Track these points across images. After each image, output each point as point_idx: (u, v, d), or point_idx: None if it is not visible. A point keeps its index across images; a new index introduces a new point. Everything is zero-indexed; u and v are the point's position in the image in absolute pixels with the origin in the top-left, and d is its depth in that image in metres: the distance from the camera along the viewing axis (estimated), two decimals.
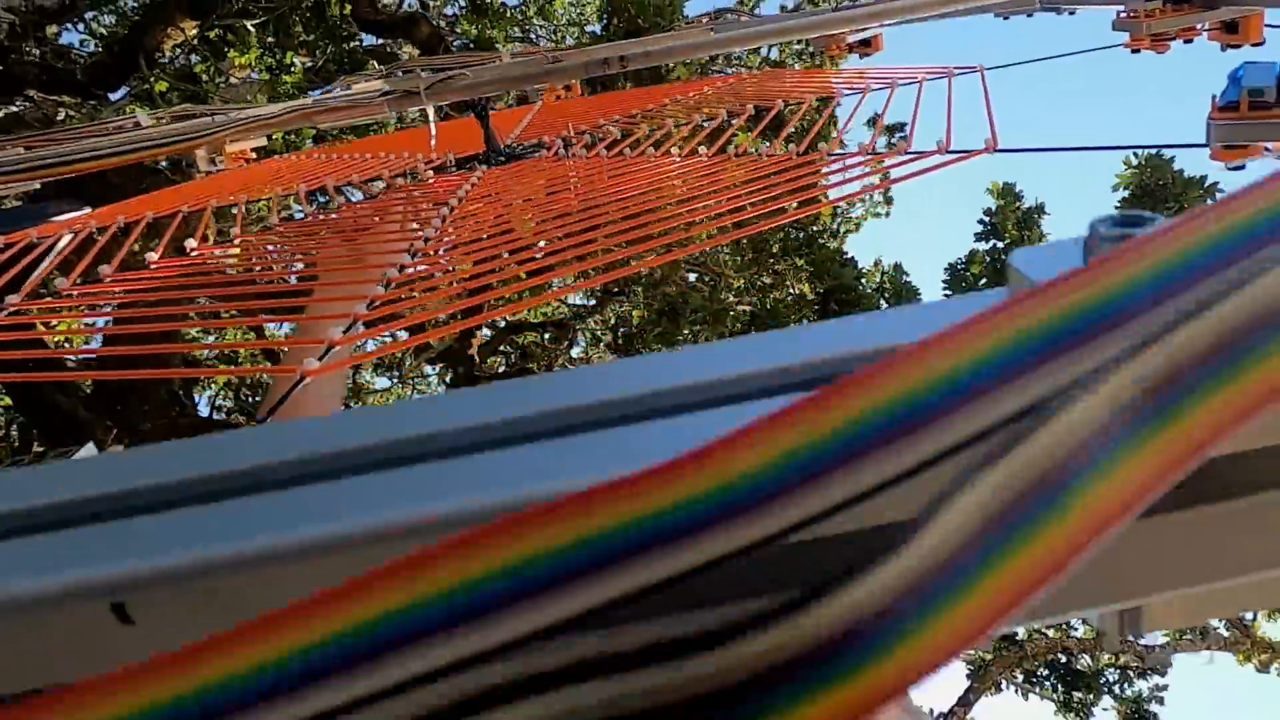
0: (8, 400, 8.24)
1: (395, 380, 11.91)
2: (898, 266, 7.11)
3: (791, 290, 7.26)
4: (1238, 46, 1.89)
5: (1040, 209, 6.51)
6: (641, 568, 0.18)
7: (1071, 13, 2.14)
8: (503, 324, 8.75)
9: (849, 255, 7.08)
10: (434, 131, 1.51)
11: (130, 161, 2.42)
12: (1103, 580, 0.30)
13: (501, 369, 8.73)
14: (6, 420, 8.83)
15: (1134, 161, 5.82)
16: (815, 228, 7.45)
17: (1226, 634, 6.80)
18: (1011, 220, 6.23)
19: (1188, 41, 1.90)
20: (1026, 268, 0.31)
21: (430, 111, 1.53)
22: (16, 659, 0.28)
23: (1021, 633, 7.07)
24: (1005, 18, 2.25)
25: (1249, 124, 1.92)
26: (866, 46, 2.48)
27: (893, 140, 10.63)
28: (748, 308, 7.01)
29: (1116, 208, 5.65)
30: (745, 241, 7.90)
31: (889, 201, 11.29)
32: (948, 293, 6.48)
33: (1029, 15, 2.25)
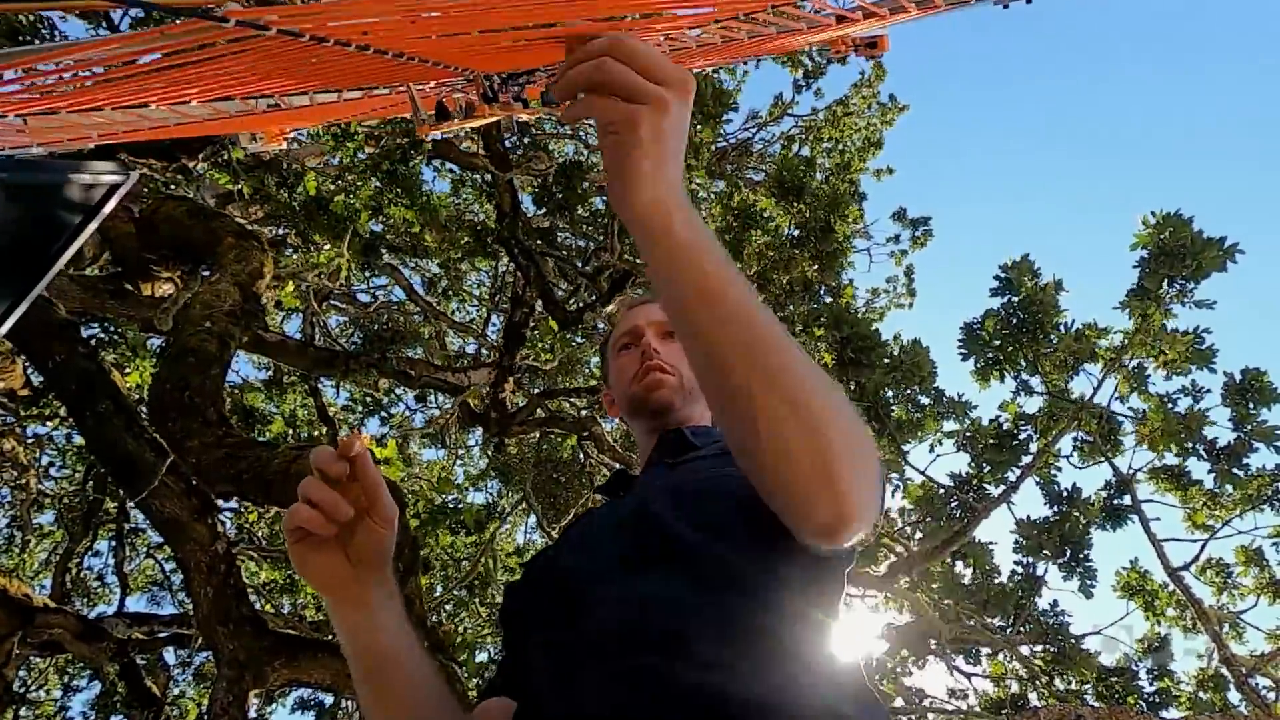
0: (80, 443, 8.32)
1: (442, 450, 11.88)
2: (916, 341, 6.94)
3: (814, 359, 7.11)
4: None
5: (1059, 284, 6.33)
6: None
7: None
8: (537, 390, 8.73)
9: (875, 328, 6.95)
10: None
11: (183, 135, 2.38)
12: None
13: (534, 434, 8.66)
14: (85, 469, 8.91)
15: (1151, 221, 5.63)
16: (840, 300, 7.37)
17: (1246, 712, 6.23)
18: (1027, 277, 6.05)
19: None
20: None
21: None
22: None
23: (1035, 699, 6.54)
24: (1005, 6, 2.17)
25: None
26: (872, 49, 2.41)
27: (917, 233, 10.65)
28: None
29: (1135, 266, 5.46)
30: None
31: (912, 294, 11.25)
32: (963, 352, 6.26)
33: (1028, 1, 2.16)
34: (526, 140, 7.49)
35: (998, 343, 6.07)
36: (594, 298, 6.84)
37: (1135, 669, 6.64)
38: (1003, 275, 6.03)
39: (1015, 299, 6.02)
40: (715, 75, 7.42)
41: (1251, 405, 6.03)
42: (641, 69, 0.74)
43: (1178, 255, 5.52)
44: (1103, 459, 6.58)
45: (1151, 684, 6.61)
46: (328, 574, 0.96)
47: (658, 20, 1.58)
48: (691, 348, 0.81)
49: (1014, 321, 6.00)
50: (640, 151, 0.75)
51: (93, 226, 2.16)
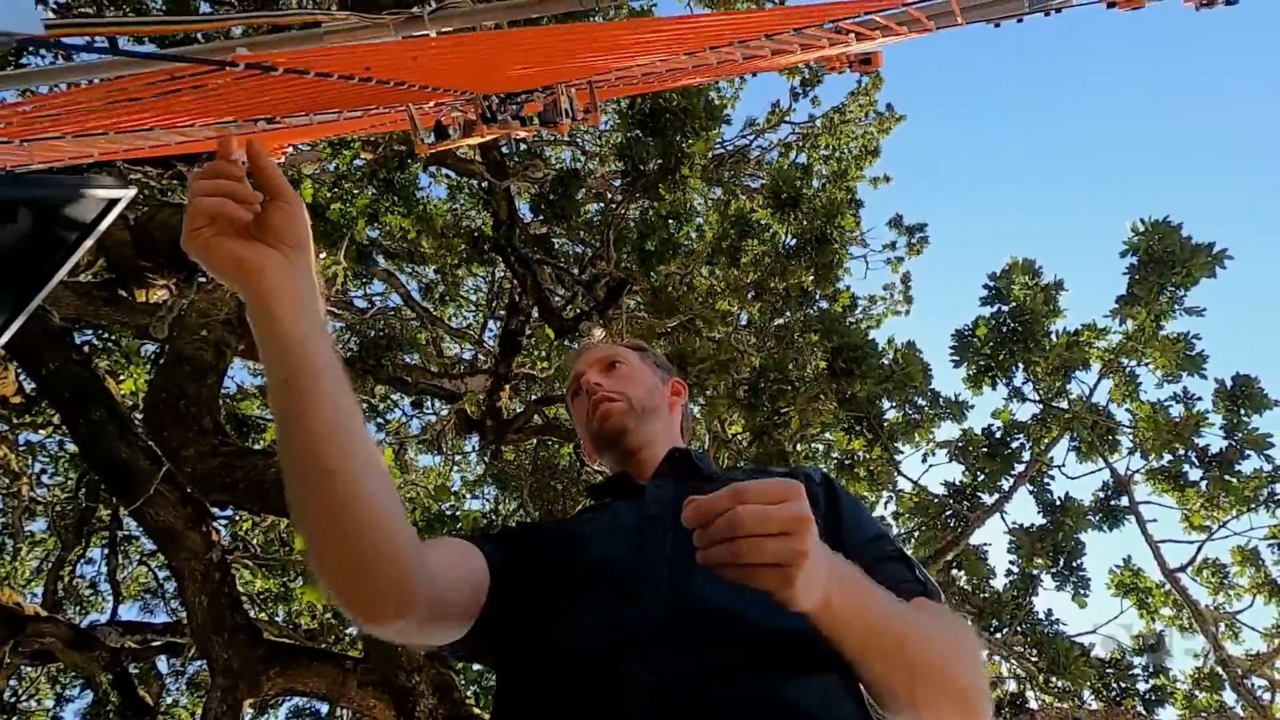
0: (73, 450, 8.31)
1: (438, 457, 11.86)
2: (910, 344, 6.95)
3: (811, 367, 7.14)
4: (1210, 4, 1.79)
5: (1060, 284, 6.37)
6: None
7: (1058, 10, 2.09)
8: (534, 397, 8.75)
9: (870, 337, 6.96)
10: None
11: (183, 152, 2.40)
12: None
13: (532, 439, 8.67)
14: (78, 476, 8.89)
15: (1141, 227, 5.66)
16: (836, 306, 7.40)
17: (1244, 714, 6.26)
18: (1022, 286, 6.08)
19: None
20: None
21: (433, 35, 1.51)
22: None
23: (1033, 702, 6.55)
24: (996, 25, 2.20)
25: None
26: (866, 65, 2.45)
27: (913, 240, 10.67)
28: (756, 360, 6.89)
29: (1124, 273, 5.47)
30: (768, 327, 7.87)
31: (909, 301, 11.27)
32: (955, 359, 6.29)
33: (1019, 20, 2.19)
34: (523, 148, 7.54)
35: (989, 350, 6.10)
36: (591, 305, 6.89)
37: (1131, 662, 6.66)
38: (992, 285, 6.07)
39: (1005, 308, 6.06)
40: (713, 83, 7.46)
41: (1242, 412, 6.06)
42: (769, 529, 0.81)
43: (1167, 262, 5.55)
44: (1100, 459, 6.60)
45: (1147, 680, 6.63)
46: (248, 258, 0.90)
47: (653, 48, 1.62)
48: (860, 670, 0.96)
49: (1005, 330, 6.03)
50: (796, 592, 0.83)
51: (90, 241, 2.18)
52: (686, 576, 1.02)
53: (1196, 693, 6.62)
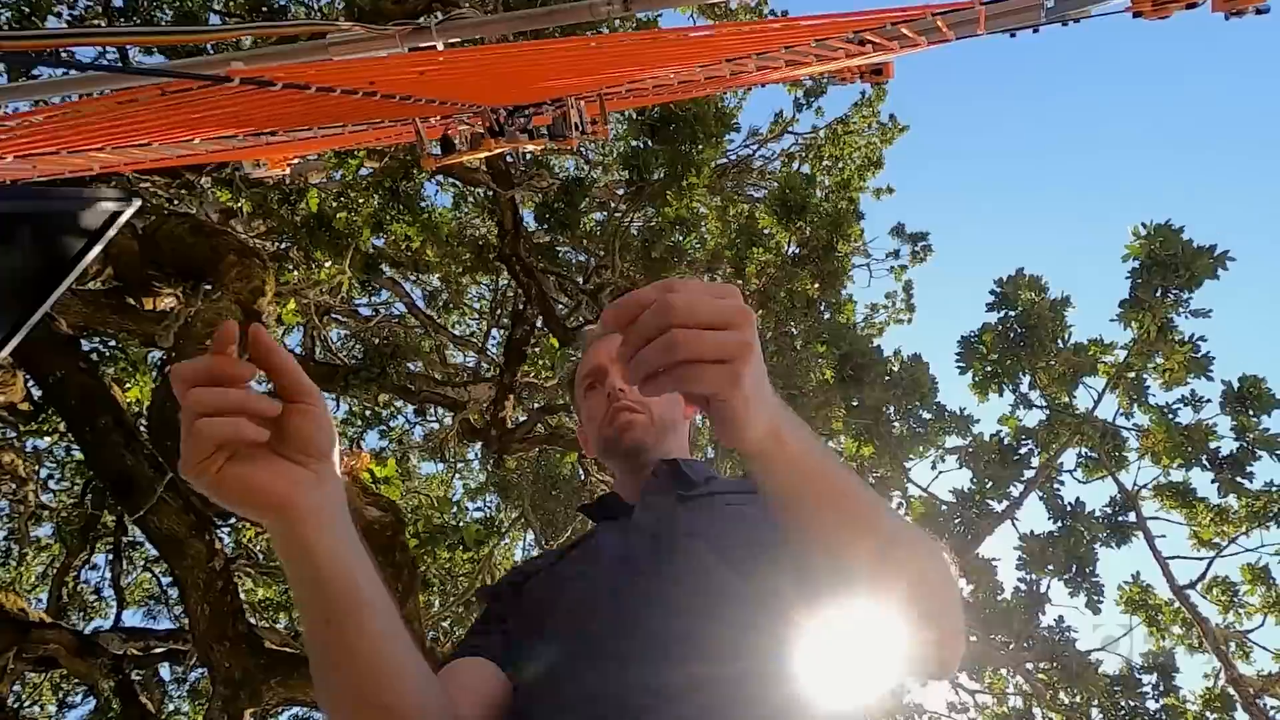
0: (80, 456, 8.30)
1: (441, 464, 11.84)
2: (916, 356, 6.91)
3: (815, 376, 7.11)
4: (1240, 14, 1.77)
5: (1066, 300, 6.33)
6: None
7: (1077, 20, 2.06)
8: (537, 405, 8.74)
9: (876, 344, 6.93)
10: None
11: (184, 164, 2.36)
12: None
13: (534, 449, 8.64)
14: (84, 482, 8.88)
15: (1142, 232, 5.62)
16: (840, 317, 7.37)
17: None
18: (1027, 295, 6.04)
19: (1190, 7, 1.79)
20: None
21: (440, 46, 1.48)
22: None
23: (1039, 715, 6.48)
24: (1012, 35, 2.17)
25: None
26: (878, 75, 2.42)
27: (916, 249, 10.63)
28: None
29: (1127, 278, 5.40)
30: (770, 335, 7.84)
31: (911, 309, 11.24)
32: (960, 366, 6.25)
33: (1035, 30, 2.16)
34: (529, 157, 7.53)
35: (995, 356, 6.06)
36: (595, 315, 6.86)
37: (1140, 680, 6.56)
38: (998, 290, 6.04)
39: (1012, 313, 6.03)
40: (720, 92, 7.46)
41: (1251, 413, 5.98)
42: (710, 324, 0.70)
43: (1170, 265, 5.50)
44: (1106, 474, 6.54)
45: (1158, 700, 6.54)
46: (273, 488, 0.75)
47: (670, 63, 1.59)
48: (810, 537, 0.86)
49: (1012, 335, 6.00)
50: (744, 398, 0.72)
51: (94, 253, 2.16)
52: (664, 612, 0.99)
53: (1208, 714, 6.52)
